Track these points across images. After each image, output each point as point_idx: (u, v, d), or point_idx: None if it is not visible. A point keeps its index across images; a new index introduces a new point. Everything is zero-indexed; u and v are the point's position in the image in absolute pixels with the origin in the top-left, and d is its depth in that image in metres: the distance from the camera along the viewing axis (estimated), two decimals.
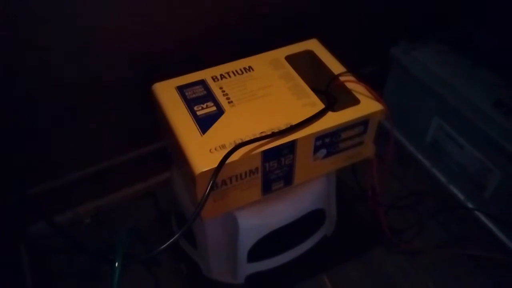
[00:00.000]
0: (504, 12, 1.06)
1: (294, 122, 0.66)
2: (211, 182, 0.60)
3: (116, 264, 0.53)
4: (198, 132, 0.65)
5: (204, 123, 0.66)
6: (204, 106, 0.69)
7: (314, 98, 0.70)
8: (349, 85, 0.73)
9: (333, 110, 0.69)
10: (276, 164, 0.67)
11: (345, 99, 0.71)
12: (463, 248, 0.93)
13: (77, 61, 0.76)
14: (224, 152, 0.61)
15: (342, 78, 0.74)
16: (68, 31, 0.72)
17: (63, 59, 0.75)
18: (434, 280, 0.88)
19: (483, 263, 0.91)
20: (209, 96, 0.71)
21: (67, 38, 0.73)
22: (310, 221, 0.83)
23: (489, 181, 0.94)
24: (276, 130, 0.65)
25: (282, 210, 0.76)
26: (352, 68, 0.76)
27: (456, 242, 0.95)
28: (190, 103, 0.69)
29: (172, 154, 0.75)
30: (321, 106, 0.69)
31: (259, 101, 0.70)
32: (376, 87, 0.73)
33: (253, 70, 0.75)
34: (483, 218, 0.98)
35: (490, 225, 0.97)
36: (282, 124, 0.66)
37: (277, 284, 0.88)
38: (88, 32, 0.74)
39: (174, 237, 0.57)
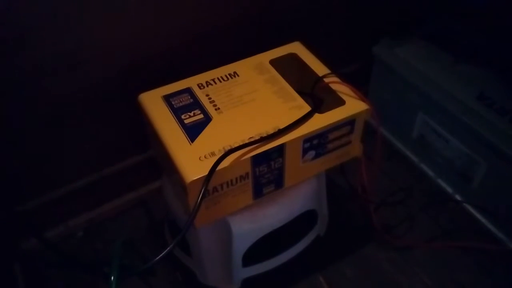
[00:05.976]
0: (483, 5, 1.08)
1: (282, 125, 0.66)
2: (203, 190, 0.60)
3: (112, 278, 0.53)
4: (187, 141, 0.65)
5: (192, 131, 0.67)
6: (192, 114, 0.69)
7: (300, 101, 0.71)
8: (334, 86, 0.74)
9: (320, 112, 0.69)
10: (266, 168, 0.67)
11: (330, 101, 0.71)
12: (454, 240, 0.94)
13: (63, 75, 0.76)
14: (214, 160, 0.61)
15: (326, 80, 0.74)
16: (53, 46, 0.72)
17: (50, 72, 0.75)
18: (428, 274, 0.89)
19: (474, 254, 0.92)
20: (196, 104, 0.71)
21: (53, 52, 0.73)
22: (302, 222, 0.84)
23: (476, 173, 0.95)
24: (264, 135, 0.65)
25: (275, 213, 0.76)
26: (336, 67, 0.76)
27: (447, 235, 0.96)
28: (177, 112, 0.70)
29: (162, 164, 0.75)
30: (307, 108, 0.70)
31: (246, 107, 0.70)
32: (361, 85, 0.74)
33: (238, 75, 0.76)
34: (471, 210, 0.99)
35: (479, 216, 0.98)
36: (270, 128, 0.66)
37: (273, 286, 0.88)
38: (73, 46, 0.74)
39: (169, 248, 0.57)
